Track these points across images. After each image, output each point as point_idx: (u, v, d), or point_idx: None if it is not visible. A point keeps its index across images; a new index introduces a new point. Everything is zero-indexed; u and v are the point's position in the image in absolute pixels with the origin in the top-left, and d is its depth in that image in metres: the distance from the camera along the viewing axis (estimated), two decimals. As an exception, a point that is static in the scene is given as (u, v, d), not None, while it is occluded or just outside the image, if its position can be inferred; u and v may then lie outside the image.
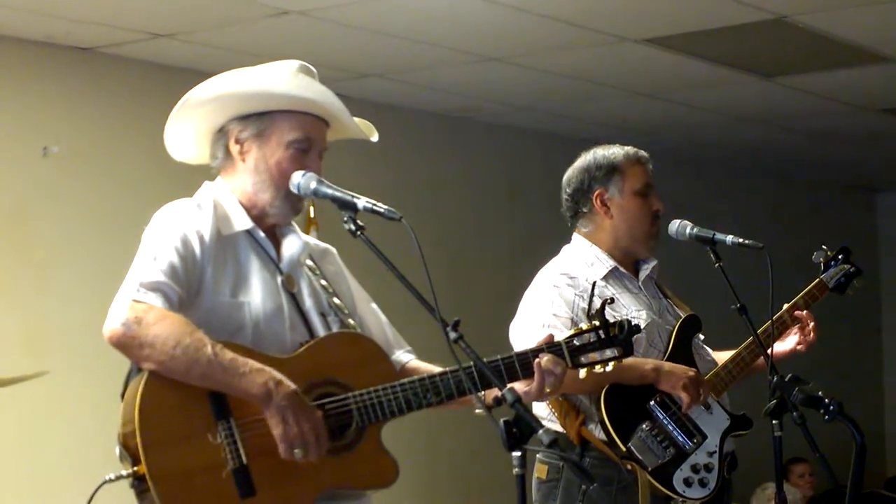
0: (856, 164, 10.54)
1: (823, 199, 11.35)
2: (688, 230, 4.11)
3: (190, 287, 2.98)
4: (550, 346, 3.18)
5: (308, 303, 3.14)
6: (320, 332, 3.11)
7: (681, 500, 3.98)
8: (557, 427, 4.05)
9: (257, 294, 3.06)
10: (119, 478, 2.87)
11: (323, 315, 3.15)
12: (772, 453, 3.75)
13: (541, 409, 4.10)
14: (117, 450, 2.91)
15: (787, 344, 4.29)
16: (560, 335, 3.28)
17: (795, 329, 4.29)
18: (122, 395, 2.96)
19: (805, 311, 4.29)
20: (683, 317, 4.23)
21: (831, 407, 3.66)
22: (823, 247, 4.50)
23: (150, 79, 6.12)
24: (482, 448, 7.25)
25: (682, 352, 4.15)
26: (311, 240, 3.36)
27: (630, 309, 4.08)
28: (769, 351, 3.98)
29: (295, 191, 3.09)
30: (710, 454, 4.05)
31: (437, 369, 3.20)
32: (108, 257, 5.90)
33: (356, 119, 3.29)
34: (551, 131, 8.57)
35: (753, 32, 6.18)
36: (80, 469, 5.79)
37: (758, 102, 7.87)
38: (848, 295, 4.49)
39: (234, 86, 3.13)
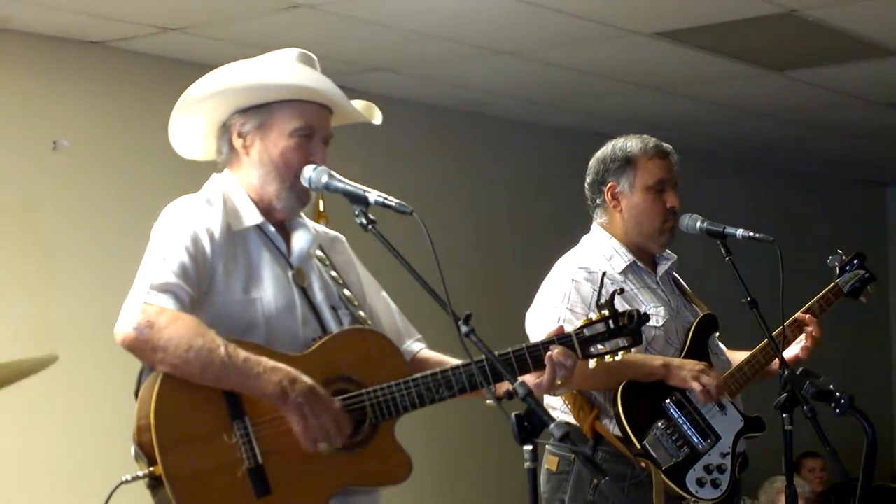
0: (866, 158, 10.53)
1: (833, 193, 11.34)
2: (698, 224, 4.10)
3: (201, 286, 2.98)
4: (561, 338, 3.18)
5: (319, 296, 3.13)
6: (332, 326, 3.11)
7: (693, 500, 3.98)
8: (571, 419, 4.04)
9: (269, 290, 3.05)
10: (135, 478, 2.87)
11: (334, 308, 3.15)
12: (782, 447, 3.75)
13: (554, 402, 4.10)
14: (133, 449, 2.91)
15: (793, 349, 4.29)
16: (570, 327, 3.28)
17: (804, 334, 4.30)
18: (136, 393, 2.96)
19: (807, 316, 4.28)
20: (701, 315, 4.22)
21: (842, 400, 3.66)
22: (839, 251, 4.49)
23: (160, 73, 6.12)
24: (493, 441, 7.25)
25: (699, 351, 4.14)
26: (321, 228, 3.34)
27: (648, 305, 4.07)
28: (780, 345, 3.98)
29: (306, 184, 3.08)
30: (724, 455, 4.04)
31: (447, 359, 3.22)
32: (118, 250, 5.92)
33: (358, 102, 3.27)
34: (563, 126, 8.56)
35: (764, 26, 6.17)
36: (90, 461, 5.81)
37: (768, 96, 7.86)
38: (861, 301, 4.49)
39: (232, 80, 3.11)
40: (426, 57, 6.65)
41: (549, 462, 4.13)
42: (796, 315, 4.29)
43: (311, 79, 3.12)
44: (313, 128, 3.12)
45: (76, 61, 6.06)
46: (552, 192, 8.45)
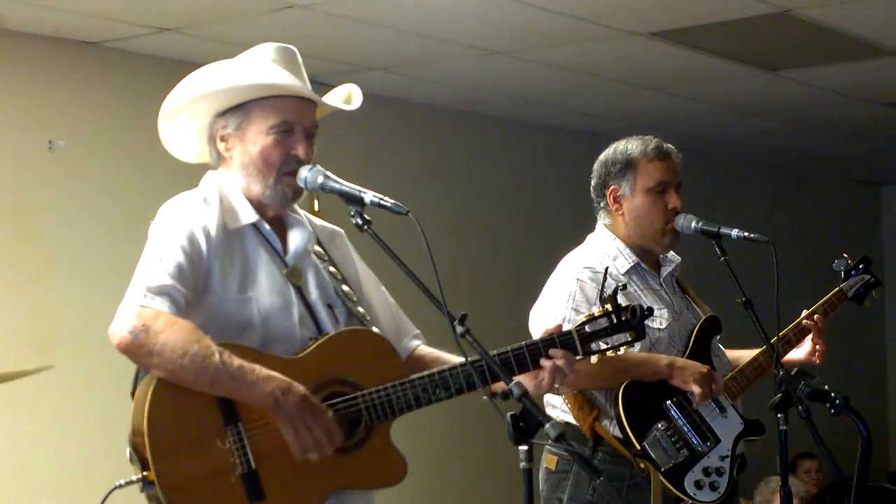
0: (861, 158, 10.53)
1: (829, 192, 11.35)
2: (693, 224, 4.10)
3: (196, 286, 2.97)
4: (561, 335, 3.18)
5: (314, 295, 3.12)
6: (327, 325, 3.10)
7: (691, 502, 3.98)
8: (570, 419, 4.04)
9: (264, 289, 3.04)
10: (129, 483, 2.87)
11: (330, 307, 3.14)
12: (777, 447, 3.75)
13: (555, 401, 4.10)
14: (128, 452, 2.90)
15: (801, 351, 4.29)
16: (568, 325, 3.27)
17: (812, 336, 4.29)
18: (133, 394, 2.96)
19: (818, 317, 4.28)
20: (704, 318, 4.21)
21: (837, 401, 3.66)
22: (844, 255, 4.48)
23: (155, 73, 6.12)
24: (489, 441, 7.26)
25: (701, 353, 4.14)
26: (319, 223, 3.33)
27: (652, 307, 4.07)
28: (778, 347, 3.98)
29: (302, 185, 3.07)
30: (723, 458, 4.04)
31: (445, 355, 3.21)
32: (114, 251, 5.92)
33: (340, 88, 3.26)
34: (557, 125, 8.57)
35: (758, 26, 6.17)
36: (84, 464, 5.81)
37: (763, 96, 7.87)
38: (865, 306, 4.49)
39: (204, 86, 3.10)
40: (420, 57, 6.65)
41: (548, 461, 4.13)
42: (801, 317, 4.28)
43: (276, 77, 3.10)
44: (290, 123, 3.09)
45: (72, 61, 6.06)
46: (547, 192, 8.46)
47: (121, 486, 2.88)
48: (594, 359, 3.23)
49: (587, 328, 3.21)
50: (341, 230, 3.35)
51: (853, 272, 4.46)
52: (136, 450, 2.87)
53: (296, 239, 3.15)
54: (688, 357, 4.09)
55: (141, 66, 6.21)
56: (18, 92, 5.87)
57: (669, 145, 4.23)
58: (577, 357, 3.20)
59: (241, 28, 5.79)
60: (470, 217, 8.07)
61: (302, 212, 3.24)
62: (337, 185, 3.01)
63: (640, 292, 4.10)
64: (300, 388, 2.88)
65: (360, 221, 2.93)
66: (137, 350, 2.85)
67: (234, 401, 2.89)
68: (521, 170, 8.49)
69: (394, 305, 3.35)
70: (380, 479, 3.04)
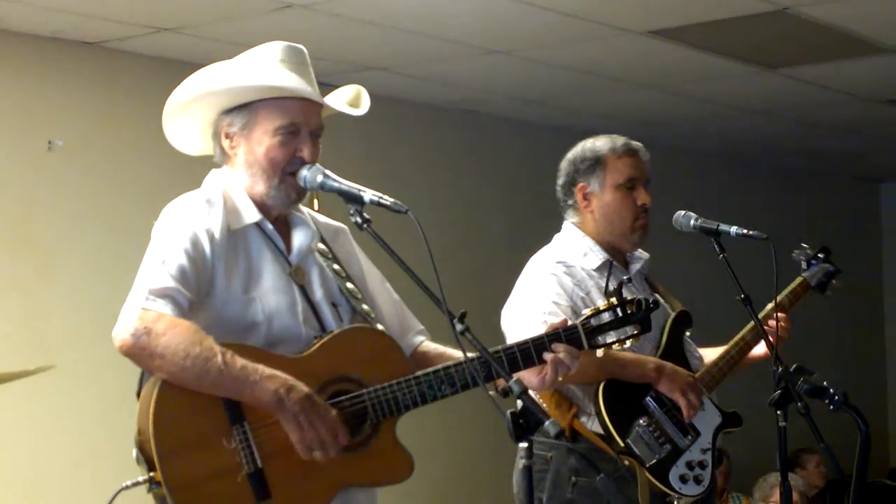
0: (860, 155, 10.53)
1: (828, 190, 11.35)
2: (691, 221, 4.10)
3: (200, 288, 2.97)
4: (566, 329, 3.18)
5: (318, 294, 3.13)
6: (331, 323, 3.10)
7: (677, 496, 3.99)
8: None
9: (269, 289, 3.05)
10: (136, 484, 2.88)
11: (334, 305, 3.14)
12: (775, 444, 3.76)
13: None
14: (134, 452, 2.91)
15: (762, 346, 4.29)
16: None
17: (777, 325, 4.27)
18: (138, 394, 2.97)
19: (783, 315, 4.27)
20: (675, 313, 4.22)
21: (836, 397, 3.66)
22: (804, 245, 4.49)
23: (155, 73, 6.12)
24: (486, 436, 7.27)
25: (675, 348, 4.15)
26: (323, 220, 3.33)
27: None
28: (773, 341, 3.99)
29: (301, 184, 3.07)
30: (704, 451, 4.06)
31: (449, 351, 3.21)
32: (114, 251, 5.92)
33: (348, 88, 3.27)
34: (557, 124, 8.56)
35: (757, 23, 6.18)
36: (90, 465, 5.82)
37: (762, 94, 7.87)
38: (827, 295, 4.49)
39: (211, 84, 3.10)
40: (419, 56, 6.65)
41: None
42: (766, 309, 4.26)
43: (283, 79, 3.10)
44: (297, 124, 3.09)
45: (70, 61, 6.06)
46: (545, 191, 8.41)
47: (127, 487, 2.89)
48: (600, 352, 3.24)
49: (592, 322, 3.21)
50: (345, 227, 3.34)
51: (813, 262, 4.46)
52: (143, 450, 2.88)
53: (299, 238, 3.16)
54: (662, 353, 4.11)
55: (140, 66, 6.22)
56: (18, 92, 5.87)
57: (638, 143, 4.25)
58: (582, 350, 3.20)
59: (241, 28, 5.80)
60: (469, 216, 8.07)
61: (305, 209, 3.25)
62: (336, 184, 3.01)
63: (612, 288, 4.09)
64: (304, 387, 2.89)
65: (359, 220, 2.93)
66: (140, 353, 2.86)
67: (240, 400, 2.89)
68: (520, 169, 8.49)
69: (398, 302, 3.35)
70: (386, 476, 3.05)
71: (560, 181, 4.28)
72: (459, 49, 6.50)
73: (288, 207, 3.16)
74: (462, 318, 2.79)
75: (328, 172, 3.05)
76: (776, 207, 10.45)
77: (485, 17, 5.99)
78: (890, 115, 8.63)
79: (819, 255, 4.48)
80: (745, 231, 4.03)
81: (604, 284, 4.06)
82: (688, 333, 4.25)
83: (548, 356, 3.13)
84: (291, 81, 3.10)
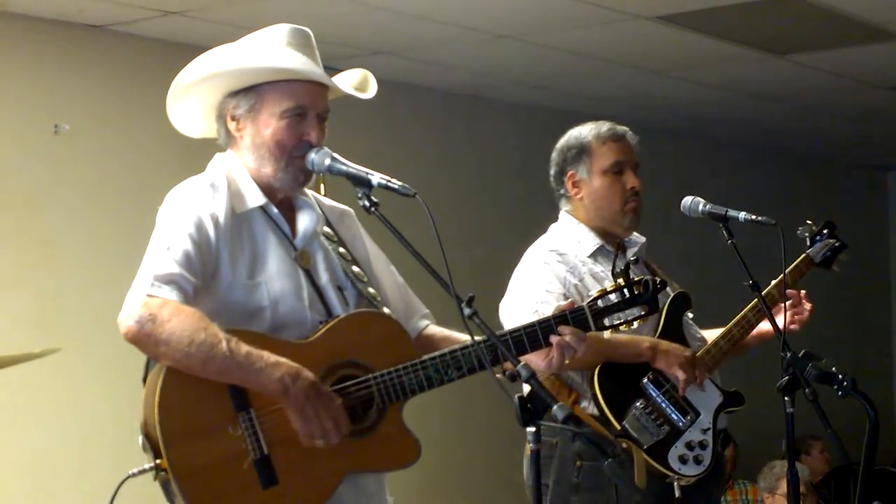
0: (866, 142, 10.52)
1: (833, 177, 11.34)
2: (700, 206, 4.10)
3: (205, 273, 2.96)
4: (573, 311, 3.17)
5: (324, 278, 3.12)
6: (337, 308, 3.09)
7: (676, 477, 3.99)
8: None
9: (274, 273, 3.04)
10: (142, 472, 2.87)
11: (340, 289, 3.13)
12: (783, 430, 3.75)
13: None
14: (140, 440, 2.90)
15: (766, 323, 4.27)
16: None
17: (781, 308, 4.26)
18: (144, 380, 2.96)
19: (800, 292, 4.26)
20: (672, 294, 4.22)
21: (845, 383, 3.65)
22: (808, 222, 4.48)
23: (161, 56, 6.11)
24: (493, 421, 7.26)
25: (673, 329, 4.16)
26: (328, 203, 3.32)
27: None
28: (781, 327, 3.98)
29: (309, 167, 3.06)
30: (704, 431, 4.06)
31: (454, 334, 3.21)
32: (120, 235, 5.92)
33: (355, 71, 3.25)
34: (563, 109, 8.55)
35: (765, 10, 6.16)
36: (96, 452, 5.81)
37: (768, 80, 7.85)
38: (834, 270, 4.47)
39: (218, 65, 3.09)
40: (425, 40, 6.64)
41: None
42: (770, 286, 4.23)
43: (292, 61, 3.08)
44: (304, 107, 3.08)
45: (76, 45, 6.05)
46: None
47: (133, 474, 2.89)
48: (607, 334, 3.23)
49: (599, 303, 3.20)
50: (351, 210, 3.33)
51: (818, 238, 4.44)
52: (149, 438, 2.87)
53: (304, 221, 3.15)
54: (661, 334, 4.11)
55: (146, 50, 6.20)
56: (23, 76, 5.86)
57: (623, 127, 4.26)
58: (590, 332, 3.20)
59: (247, 11, 5.78)
60: (476, 200, 8.06)
61: (310, 192, 3.23)
62: (344, 168, 3.00)
63: (605, 274, 4.09)
64: (309, 374, 2.88)
65: (367, 204, 2.92)
66: (145, 340, 2.85)
67: (245, 387, 2.88)
68: (527, 154, 8.45)
69: (403, 285, 3.34)
70: (393, 461, 3.04)
71: (552, 171, 4.34)
72: (466, 33, 6.48)
73: (295, 190, 3.14)
74: (470, 302, 2.79)
75: (336, 156, 3.04)
76: (783, 194, 10.43)
77: (492, 2, 5.98)
78: (897, 101, 8.62)
79: (823, 230, 4.45)
80: (753, 217, 4.02)
81: (598, 270, 4.06)
82: (690, 315, 4.24)
83: (554, 339, 3.12)
84: (300, 63, 3.08)
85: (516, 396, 2.69)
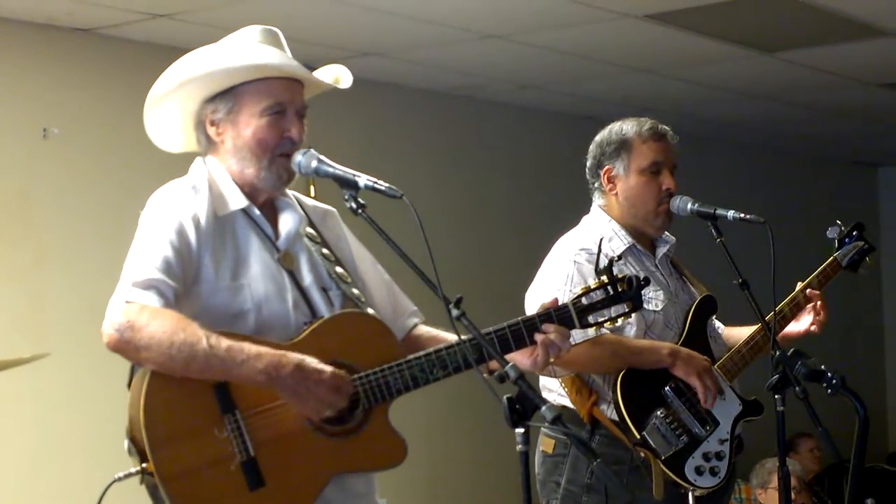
0: (857, 139, 10.53)
1: (825, 174, 11.35)
2: (689, 206, 4.10)
3: (186, 278, 2.95)
4: (558, 309, 3.16)
5: (308, 279, 3.11)
6: (322, 308, 3.09)
7: (692, 488, 3.98)
8: (567, 403, 4.04)
9: (257, 275, 3.03)
10: (128, 475, 2.87)
11: (324, 290, 3.12)
12: (774, 428, 3.75)
13: (552, 384, 4.09)
14: (126, 444, 2.90)
15: (801, 325, 4.27)
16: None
17: (809, 309, 4.27)
18: (129, 385, 2.95)
19: (816, 292, 4.26)
20: (699, 298, 4.21)
21: (834, 381, 3.65)
22: (838, 222, 4.45)
23: (150, 59, 6.02)
24: (486, 423, 7.26)
25: (698, 334, 4.14)
26: (311, 203, 3.31)
27: (647, 290, 4.05)
28: (774, 326, 3.97)
29: (296, 170, 3.06)
30: (722, 442, 4.04)
31: (442, 334, 3.20)
32: (110, 239, 5.90)
33: (329, 67, 3.25)
34: (553, 109, 8.56)
35: (754, 7, 6.16)
36: (83, 456, 5.80)
37: (759, 78, 7.86)
38: (860, 273, 4.46)
39: (193, 70, 3.08)
40: (416, 41, 6.63)
41: (545, 444, 4.12)
42: (796, 290, 4.26)
43: (269, 56, 3.09)
44: (283, 104, 3.07)
45: (65, 49, 6.04)
46: (543, 176, 8.45)
47: (120, 478, 2.88)
48: (592, 331, 3.23)
49: (584, 301, 3.19)
50: (334, 210, 3.33)
51: (847, 240, 4.42)
52: (134, 441, 2.87)
53: (287, 223, 3.14)
54: (684, 338, 4.09)
55: (135, 53, 6.19)
56: (12, 80, 5.84)
57: (665, 127, 4.24)
58: (575, 330, 3.20)
59: (235, 13, 5.77)
60: (466, 201, 8.06)
61: (292, 193, 3.23)
62: (331, 169, 3.00)
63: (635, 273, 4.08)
64: (292, 357, 2.87)
65: (354, 205, 2.92)
66: (126, 347, 2.85)
67: (231, 388, 2.88)
68: (517, 154, 8.48)
69: (389, 283, 3.33)
70: (380, 461, 3.04)
71: (588, 163, 4.27)
72: (457, 34, 6.48)
73: (279, 189, 3.14)
74: (458, 304, 2.78)
75: (323, 157, 3.04)
76: (773, 192, 10.44)
77: (481, 2, 5.98)
78: (888, 98, 8.61)
79: (853, 232, 4.43)
80: (742, 215, 4.02)
81: (626, 270, 4.04)
82: (714, 320, 4.24)
83: (539, 337, 3.12)
84: (277, 58, 3.09)
85: (505, 398, 2.69)
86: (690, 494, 3.99)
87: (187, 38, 5.92)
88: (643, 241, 4.21)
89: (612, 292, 3.21)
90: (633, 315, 3.92)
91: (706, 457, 4.00)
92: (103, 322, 2.87)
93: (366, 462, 3.03)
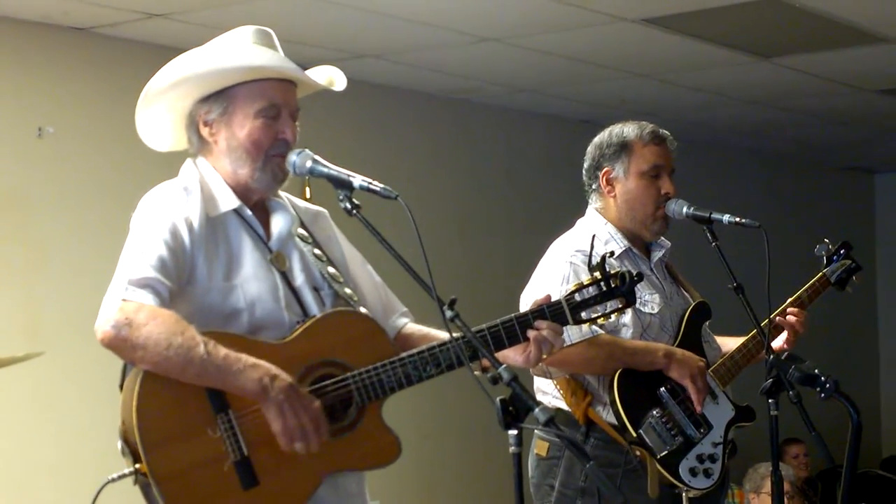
0: (854, 145, 10.53)
1: (821, 180, 11.36)
2: (684, 209, 4.10)
3: (180, 278, 2.95)
4: (551, 305, 3.16)
5: (299, 279, 3.11)
6: (314, 308, 3.08)
7: (685, 489, 3.98)
8: (562, 404, 4.04)
9: (250, 275, 3.03)
10: (122, 477, 2.86)
11: (316, 290, 3.12)
12: (766, 433, 3.75)
13: (546, 386, 4.09)
14: (119, 444, 2.89)
15: (778, 340, 4.28)
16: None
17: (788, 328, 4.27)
18: (121, 386, 2.95)
19: (794, 309, 4.27)
20: (694, 303, 4.21)
21: (827, 385, 3.64)
22: (826, 241, 4.47)
23: (145, 59, 6.05)
24: (479, 425, 7.26)
25: (692, 339, 4.14)
26: (303, 204, 3.31)
27: (643, 293, 4.06)
28: (768, 332, 3.98)
29: (291, 170, 3.06)
30: (715, 445, 4.04)
31: (433, 332, 3.20)
32: (105, 238, 5.89)
33: (321, 68, 3.24)
34: (549, 112, 8.56)
35: (751, 12, 6.16)
36: (77, 457, 5.79)
37: (755, 83, 7.86)
38: (847, 291, 4.48)
39: (187, 69, 3.08)
40: (412, 44, 6.63)
41: (539, 447, 4.12)
42: (785, 304, 4.27)
43: (265, 58, 3.09)
44: (278, 105, 3.08)
45: (61, 48, 6.04)
46: (538, 179, 8.46)
47: (113, 479, 2.87)
48: (586, 327, 3.22)
49: (577, 297, 3.18)
50: (325, 210, 3.33)
51: (835, 257, 4.46)
52: (127, 442, 2.86)
53: (279, 223, 3.14)
54: (679, 342, 4.09)
55: (130, 52, 6.19)
56: (7, 79, 5.84)
57: (665, 131, 4.24)
58: (568, 326, 3.20)
59: (231, 13, 5.77)
60: (462, 204, 8.06)
61: (284, 194, 3.23)
62: (325, 170, 3.00)
63: None
64: (287, 376, 2.87)
65: (349, 206, 2.92)
66: (122, 345, 2.84)
67: (223, 389, 2.87)
68: (512, 157, 8.48)
69: (380, 284, 3.33)
70: (374, 459, 3.03)
71: (585, 165, 4.26)
72: (451, 37, 6.47)
73: (272, 190, 3.14)
74: (452, 305, 2.78)
75: (317, 158, 3.04)
76: (769, 197, 10.45)
77: (477, 5, 5.97)
78: (883, 105, 8.62)
79: (840, 250, 4.46)
80: (737, 219, 4.02)
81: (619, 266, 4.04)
82: (707, 323, 4.24)
83: (531, 334, 3.11)
84: (272, 60, 3.09)
85: (498, 399, 2.69)
86: (684, 496, 3.99)
87: (183, 38, 5.92)
88: (639, 244, 4.21)
89: (605, 288, 3.19)
90: (629, 317, 3.95)
91: (700, 458, 4.01)
92: (97, 319, 2.87)
93: (360, 460, 3.02)
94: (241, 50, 3.09)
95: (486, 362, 2.95)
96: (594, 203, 4.25)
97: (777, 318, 4.21)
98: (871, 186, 12.11)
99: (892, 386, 11.82)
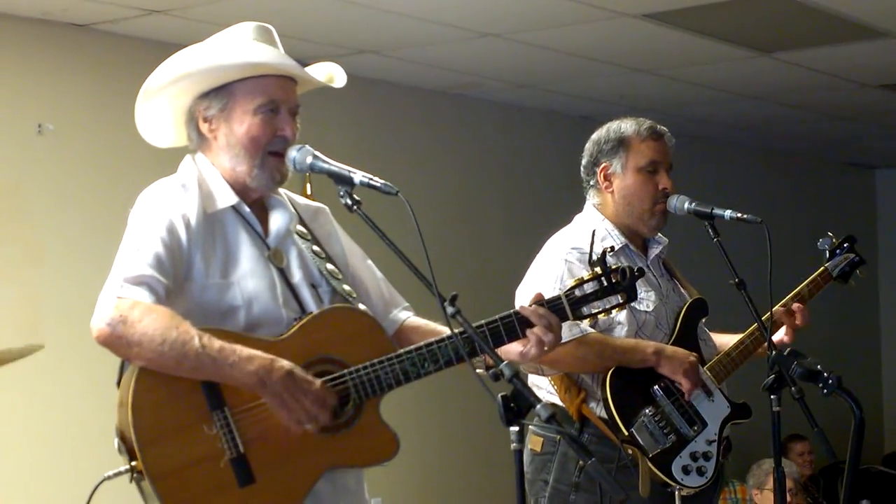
0: (855, 141, 10.53)
1: (823, 175, 11.35)
2: (686, 205, 4.09)
3: (177, 275, 2.94)
4: (550, 300, 3.14)
5: (297, 276, 3.10)
6: (311, 305, 3.07)
7: (678, 487, 3.97)
8: (557, 401, 4.03)
9: (247, 272, 3.02)
10: (118, 474, 2.86)
11: (314, 286, 3.11)
12: (769, 429, 3.74)
13: (541, 382, 4.09)
14: (115, 442, 2.89)
15: (778, 334, 4.27)
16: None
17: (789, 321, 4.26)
18: (118, 383, 2.94)
19: (797, 305, 4.26)
20: (690, 300, 4.20)
21: (830, 381, 3.64)
22: (829, 234, 4.46)
23: (145, 55, 6.03)
24: (479, 421, 7.25)
25: (688, 336, 4.13)
26: (302, 201, 3.30)
27: (639, 290, 4.04)
28: (767, 327, 3.97)
29: (291, 166, 3.05)
30: (710, 442, 4.03)
31: (436, 326, 3.19)
32: (104, 234, 5.85)
33: (321, 65, 3.24)
34: (549, 108, 8.55)
35: (752, 7, 6.16)
36: (77, 452, 5.79)
37: (756, 78, 7.85)
38: (850, 285, 4.47)
39: (187, 65, 3.07)
40: (411, 39, 6.62)
41: (533, 443, 4.11)
42: (786, 299, 4.27)
43: (264, 54, 3.08)
44: (277, 102, 3.07)
45: (61, 44, 6.03)
46: (538, 175, 8.45)
47: (109, 477, 2.87)
48: (585, 323, 3.21)
49: (577, 292, 3.16)
50: (325, 207, 3.32)
51: (838, 251, 4.45)
52: (123, 440, 2.86)
53: (277, 220, 3.13)
54: (675, 340, 4.09)
55: (130, 49, 6.18)
56: (7, 75, 5.83)
57: (663, 127, 4.23)
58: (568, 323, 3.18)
59: (231, 9, 5.76)
60: (462, 200, 8.05)
61: (283, 191, 3.22)
62: (326, 166, 2.99)
63: None
64: (284, 363, 2.86)
65: (349, 202, 2.91)
66: (117, 342, 2.83)
67: (220, 385, 2.87)
68: (513, 153, 8.47)
69: (382, 279, 3.32)
70: (372, 456, 3.02)
71: (583, 161, 4.26)
72: (452, 32, 6.46)
73: (271, 188, 3.13)
74: (453, 301, 2.77)
75: (318, 154, 3.03)
76: (771, 193, 10.44)
77: (476, 1, 5.96)
78: (885, 100, 8.61)
79: (844, 244, 4.45)
80: (739, 214, 4.01)
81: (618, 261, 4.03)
82: (703, 321, 4.23)
83: (530, 330, 3.09)
84: (272, 56, 3.09)
85: (499, 396, 2.68)
86: (677, 493, 3.98)
87: (182, 34, 5.91)
88: (636, 241, 4.20)
89: (605, 283, 3.18)
90: (623, 315, 3.93)
91: (693, 456, 4.00)
92: (93, 317, 2.86)
93: (357, 457, 3.01)
94: (241, 46, 3.08)
95: (487, 359, 2.94)
96: (592, 199, 4.24)
97: (777, 312, 4.20)
98: (872, 182, 12.10)
99: (895, 382, 11.81)
